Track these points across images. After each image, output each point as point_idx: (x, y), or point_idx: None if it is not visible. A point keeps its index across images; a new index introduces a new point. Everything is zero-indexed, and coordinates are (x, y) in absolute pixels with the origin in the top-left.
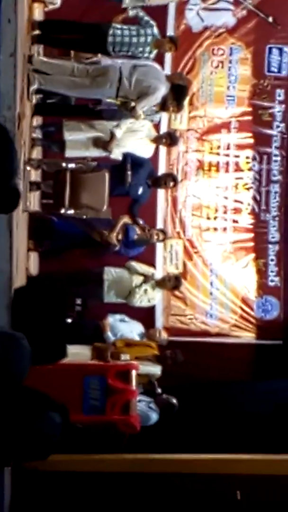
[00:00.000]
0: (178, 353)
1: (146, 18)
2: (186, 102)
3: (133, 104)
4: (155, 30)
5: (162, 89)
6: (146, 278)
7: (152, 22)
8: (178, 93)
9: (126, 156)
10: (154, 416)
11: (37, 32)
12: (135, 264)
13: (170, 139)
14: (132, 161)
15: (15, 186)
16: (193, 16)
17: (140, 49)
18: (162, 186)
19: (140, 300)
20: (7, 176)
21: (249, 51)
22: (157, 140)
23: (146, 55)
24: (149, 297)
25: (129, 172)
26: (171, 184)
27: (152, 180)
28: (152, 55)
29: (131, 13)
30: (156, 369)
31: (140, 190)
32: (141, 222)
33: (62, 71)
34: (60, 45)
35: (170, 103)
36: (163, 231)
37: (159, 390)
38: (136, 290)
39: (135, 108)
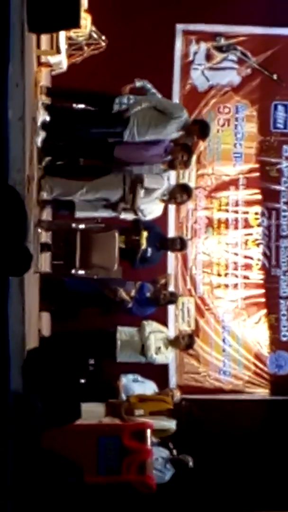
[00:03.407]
0: (193, 407)
1: (153, 90)
2: (193, 159)
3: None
4: None
5: (162, 189)
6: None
7: (158, 94)
8: (186, 150)
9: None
10: (169, 474)
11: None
12: (146, 324)
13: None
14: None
15: (26, 248)
16: (199, 75)
17: None
18: (171, 249)
19: (155, 352)
20: (19, 239)
21: (255, 108)
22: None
23: None
24: (164, 356)
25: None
26: (179, 246)
27: (160, 242)
28: None
29: (138, 84)
30: (171, 424)
31: (149, 252)
32: (162, 281)
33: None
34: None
35: (177, 162)
36: (172, 294)
37: (175, 452)
38: (148, 343)
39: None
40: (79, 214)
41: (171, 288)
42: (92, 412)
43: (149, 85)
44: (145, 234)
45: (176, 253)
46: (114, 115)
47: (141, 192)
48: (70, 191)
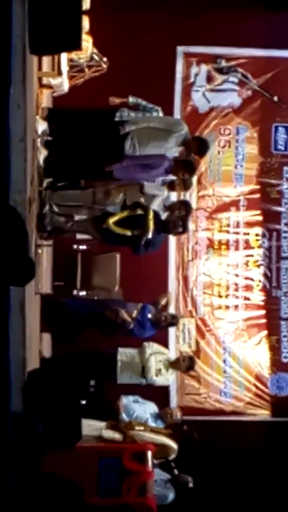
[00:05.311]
0: (194, 433)
1: (150, 105)
2: (194, 180)
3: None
4: (161, 114)
5: (162, 197)
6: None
7: (157, 107)
8: (187, 167)
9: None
10: (171, 496)
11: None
12: (147, 345)
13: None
14: None
15: (30, 258)
16: (200, 97)
17: None
18: (172, 231)
19: (156, 374)
20: (22, 252)
21: (256, 130)
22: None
23: None
24: (164, 378)
25: None
26: (181, 229)
27: (161, 225)
28: None
29: (131, 100)
30: (172, 443)
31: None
32: (163, 302)
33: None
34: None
35: (178, 181)
36: (173, 316)
37: (176, 472)
38: (149, 365)
39: None
40: (80, 235)
41: (172, 309)
42: (93, 425)
43: (144, 102)
44: (152, 213)
45: (178, 272)
46: (112, 132)
47: (141, 200)
48: (77, 198)
